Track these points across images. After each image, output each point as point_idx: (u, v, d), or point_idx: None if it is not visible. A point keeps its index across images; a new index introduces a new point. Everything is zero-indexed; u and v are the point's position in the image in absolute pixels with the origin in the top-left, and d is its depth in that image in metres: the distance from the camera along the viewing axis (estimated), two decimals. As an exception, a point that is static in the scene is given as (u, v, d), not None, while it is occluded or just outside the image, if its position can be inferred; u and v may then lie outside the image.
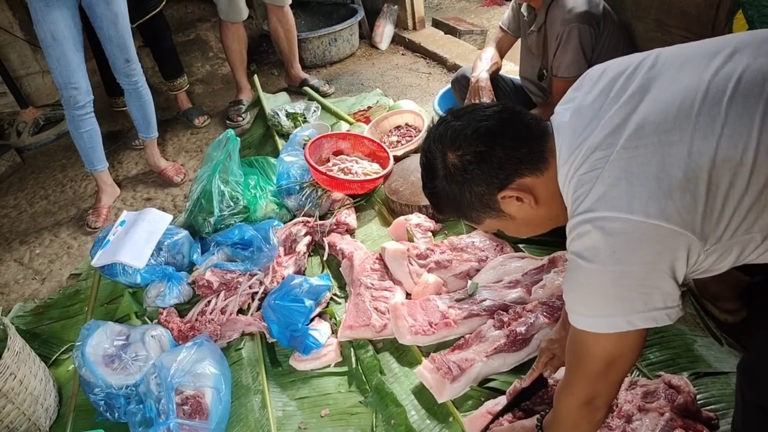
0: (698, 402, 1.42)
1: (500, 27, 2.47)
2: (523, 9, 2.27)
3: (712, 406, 1.44)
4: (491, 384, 1.61)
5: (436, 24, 4.34)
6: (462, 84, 2.51)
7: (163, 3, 3.18)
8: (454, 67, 3.63)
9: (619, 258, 0.93)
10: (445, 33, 4.14)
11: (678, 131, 0.92)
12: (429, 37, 4.09)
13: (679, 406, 1.36)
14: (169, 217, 2.43)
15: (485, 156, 1.08)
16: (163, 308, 2.11)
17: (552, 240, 1.88)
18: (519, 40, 2.44)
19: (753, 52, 0.95)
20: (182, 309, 2.14)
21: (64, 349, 2.11)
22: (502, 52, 2.49)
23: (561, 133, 1.06)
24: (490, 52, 2.44)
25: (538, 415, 1.30)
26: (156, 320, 2.07)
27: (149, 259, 2.24)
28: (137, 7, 2.93)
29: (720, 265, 0.99)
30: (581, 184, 0.99)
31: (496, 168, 1.08)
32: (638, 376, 1.54)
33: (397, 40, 4.25)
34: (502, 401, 1.51)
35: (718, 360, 1.55)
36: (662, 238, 0.91)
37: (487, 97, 2.29)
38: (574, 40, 2.02)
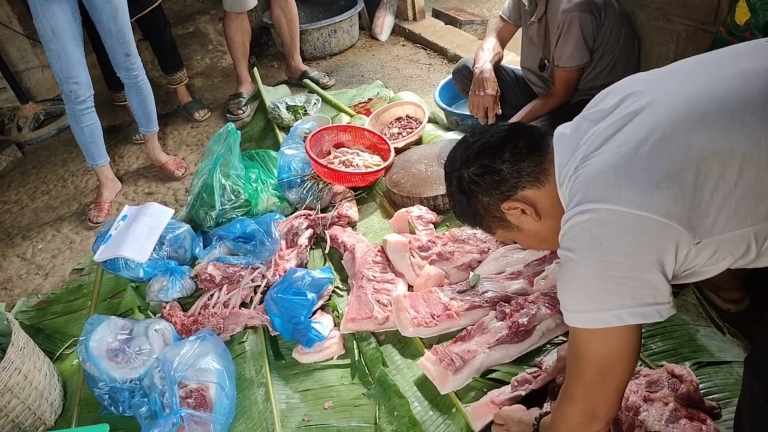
0: (701, 391, 1.42)
1: (501, 16, 2.46)
2: None
3: (715, 396, 1.44)
4: (494, 375, 1.61)
5: (437, 14, 4.32)
6: (463, 75, 2.50)
7: None
8: (454, 58, 3.62)
9: (604, 249, 0.93)
10: (446, 23, 4.12)
11: (671, 128, 0.94)
12: (429, 28, 4.07)
13: (683, 395, 1.36)
14: (171, 212, 2.43)
15: (489, 169, 1.17)
16: (166, 302, 2.12)
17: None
18: (520, 30, 2.43)
19: (746, 61, 0.98)
20: (185, 303, 2.15)
21: (68, 344, 2.12)
22: (503, 41, 2.47)
23: (560, 144, 1.12)
24: (491, 43, 2.42)
25: (537, 415, 1.31)
26: (159, 314, 2.08)
27: (151, 254, 2.25)
28: (136, 1, 2.92)
29: (716, 266, 0.99)
30: (574, 185, 1.02)
31: (498, 181, 1.16)
32: (641, 365, 1.54)
33: (397, 31, 4.23)
34: (505, 391, 1.52)
35: (721, 349, 1.55)
36: (648, 229, 0.92)
37: (491, 89, 2.27)
38: (576, 30, 2.01)
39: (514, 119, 2.24)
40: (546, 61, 2.25)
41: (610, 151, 0.98)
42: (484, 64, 2.33)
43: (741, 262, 0.99)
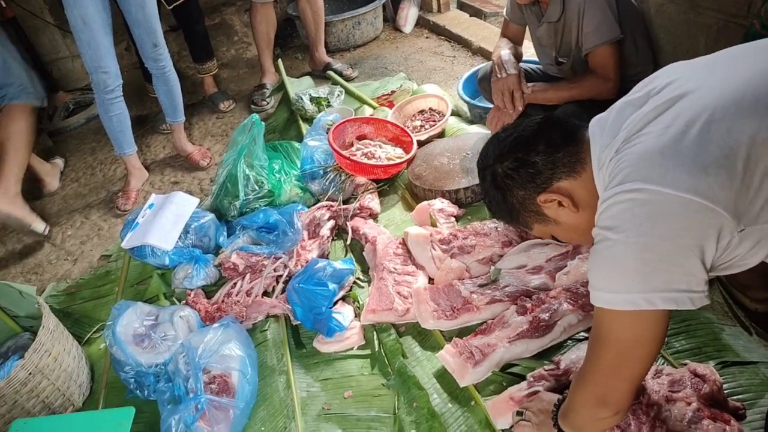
0: (725, 391, 1.40)
1: (505, 18, 2.41)
2: None
3: (740, 396, 1.42)
4: (513, 369, 1.61)
5: (461, 6, 4.28)
6: (485, 85, 2.42)
7: None
8: (479, 51, 3.59)
9: (644, 230, 0.91)
10: (471, 15, 4.08)
11: (720, 111, 0.92)
12: (454, 20, 4.03)
13: (705, 395, 1.34)
14: (196, 201, 2.47)
15: (523, 162, 1.16)
16: (191, 290, 2.16)
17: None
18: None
19: None
20: (209, 291, 2.19)
21: (96, 328, 2.17)
22: (515, 40, 2.40)
23: (599, 129, 1.10)
24: (503, 41, 2.35)
25: (558, 398, 1.31)
26: (184, 301, 2.12)
27: (177, 242, 2.29)
28: None
29: (754, 257, 0.96)
30: (616, 165, 0.99)
31: (533, 173, 1.15)
32: (663, 364, 1.53)
33: (421, 23, 4.21)
34: (523, 387, 1.52)
35: (747, 349, 1.53)
36: (692, 213, 0.89)
37: (513, 69, 2.16)
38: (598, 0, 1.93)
39: (549, 90, 2.11)
40: (561, 58, 2.18)
41: (656, 132, 0.96)
42: (501, 51, 2.25)
43: None
